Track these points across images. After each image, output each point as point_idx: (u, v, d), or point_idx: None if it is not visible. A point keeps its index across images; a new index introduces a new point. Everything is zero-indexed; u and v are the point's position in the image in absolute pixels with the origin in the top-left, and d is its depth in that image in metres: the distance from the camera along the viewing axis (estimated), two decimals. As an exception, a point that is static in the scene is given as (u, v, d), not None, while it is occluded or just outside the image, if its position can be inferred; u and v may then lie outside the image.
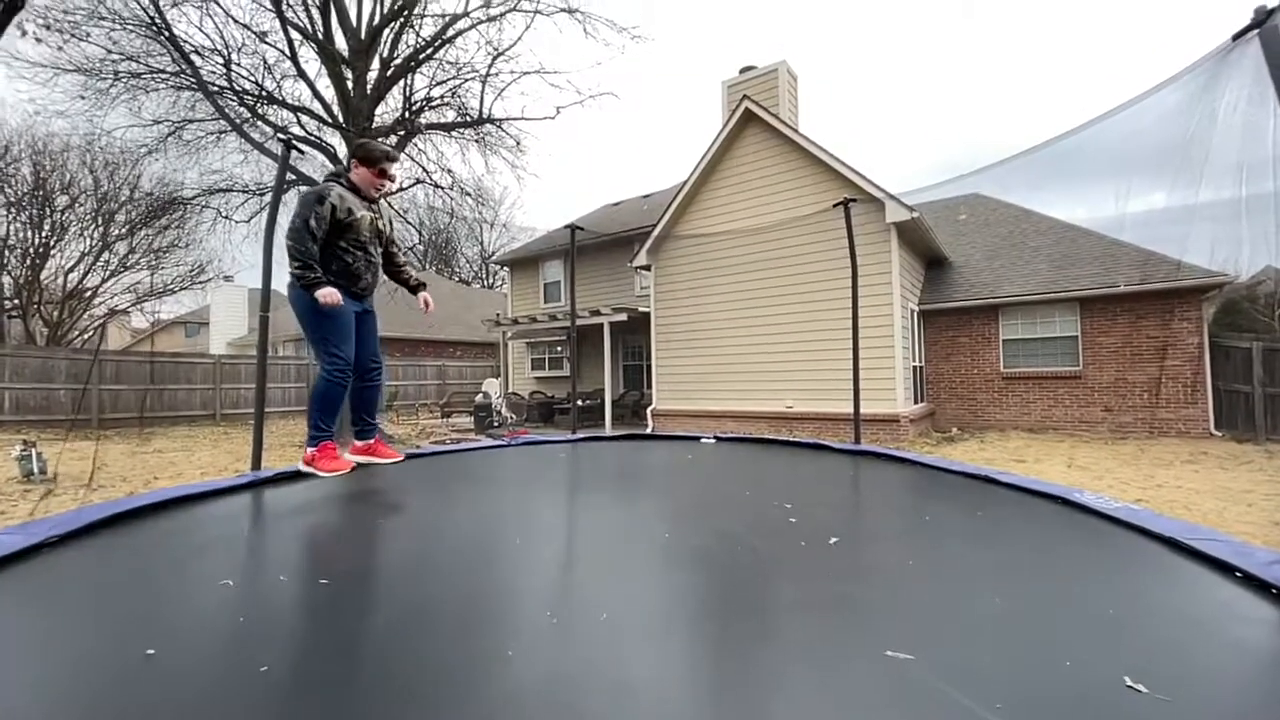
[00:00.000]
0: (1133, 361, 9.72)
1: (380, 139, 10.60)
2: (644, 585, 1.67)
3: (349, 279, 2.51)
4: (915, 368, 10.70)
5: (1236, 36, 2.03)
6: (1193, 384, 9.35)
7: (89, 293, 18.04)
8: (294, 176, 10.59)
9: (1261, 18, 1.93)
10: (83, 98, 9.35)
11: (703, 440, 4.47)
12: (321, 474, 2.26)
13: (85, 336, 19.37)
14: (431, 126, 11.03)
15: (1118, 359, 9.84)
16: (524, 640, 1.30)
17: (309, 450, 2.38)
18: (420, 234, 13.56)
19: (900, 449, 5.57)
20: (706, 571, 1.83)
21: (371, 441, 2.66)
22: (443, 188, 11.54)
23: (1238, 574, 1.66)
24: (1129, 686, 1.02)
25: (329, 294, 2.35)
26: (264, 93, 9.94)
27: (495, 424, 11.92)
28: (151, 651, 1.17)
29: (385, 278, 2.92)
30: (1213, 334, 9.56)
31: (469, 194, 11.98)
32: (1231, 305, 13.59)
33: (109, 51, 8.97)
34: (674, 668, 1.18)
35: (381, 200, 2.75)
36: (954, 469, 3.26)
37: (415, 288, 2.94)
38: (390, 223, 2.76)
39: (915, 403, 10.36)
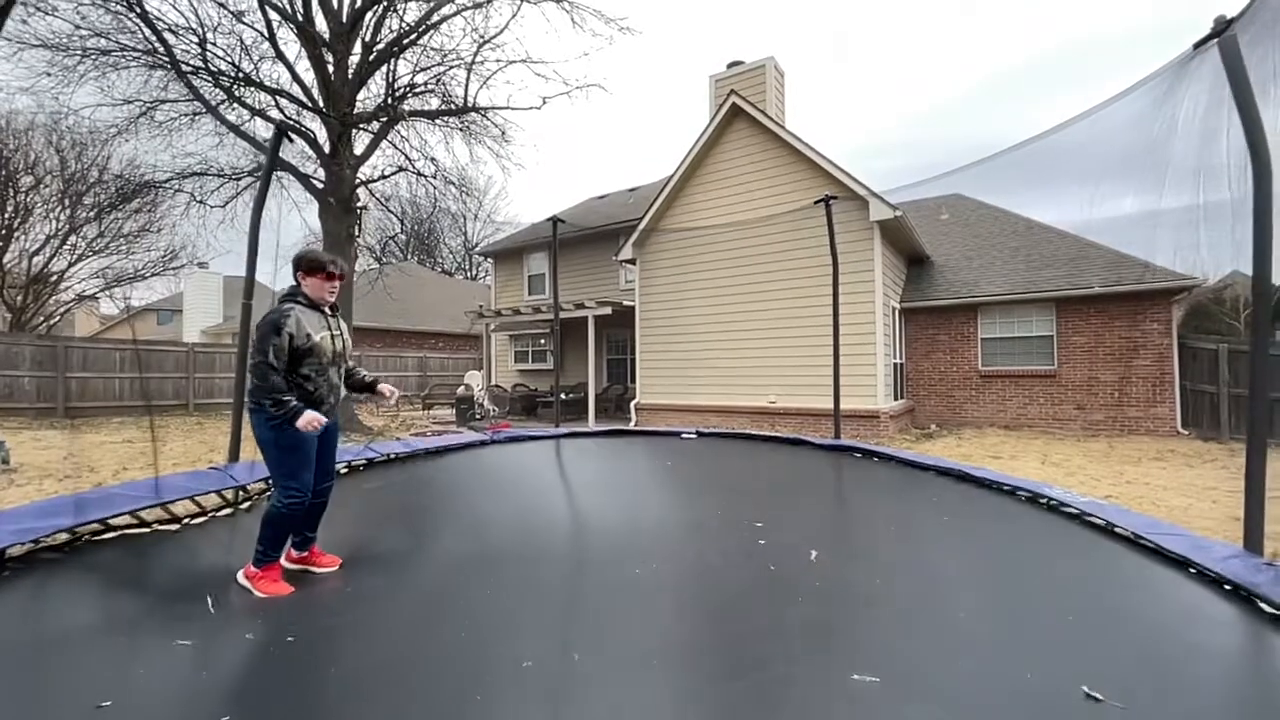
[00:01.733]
0: (1104, 361, 9.97)
1: (362, 125, 10.40)
2: (621, 615, 1.64)
3: (311, 405, 2.41)
4: (896, 365, 10.84)
5: (1198, 45, 2.08)
6: (1161, 383, 9.61)
7: (55, 277, 17.48)
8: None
9: (1221, 28, 1.97)
10: (49, 74, 9.00)
11: (684, 435, 4.49)
12: (257, 593, 2.20)
13: (52, 322, 18.80)
14: (415, 114, 10.84)
15: (1090, 358, 10.08)
16: (494, 681, 1.27)
17: (252, 568, 2.30)
18: (403, 223, 13.36)
19: (879, 444, 5.63)
20: (683, 595, 1.82)
21: (307, 553, 2.58)
22: (425, 176, 11.36)
23: (1192, 570, 1.72)
24: (1088, 695, 1.04)
25: (311, 420, 2.27)
26: (241, 74, 9.67)
27: (477, 417, 11.83)
28: (108, 704, 1.11)
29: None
30: (1181, 335, 9.83)
31: (453, 183, 11.82)
32: (1200, 308, 13.96)
33: (77, 27, 8.64)
34: (650, 705, 1.17)
35: (338, 316, 2.65)
36: (931, 465, 3.31)
37: (371, 384, 2.80)
38: (348, 336, 2.65)
39: (895, 399, 10.50)
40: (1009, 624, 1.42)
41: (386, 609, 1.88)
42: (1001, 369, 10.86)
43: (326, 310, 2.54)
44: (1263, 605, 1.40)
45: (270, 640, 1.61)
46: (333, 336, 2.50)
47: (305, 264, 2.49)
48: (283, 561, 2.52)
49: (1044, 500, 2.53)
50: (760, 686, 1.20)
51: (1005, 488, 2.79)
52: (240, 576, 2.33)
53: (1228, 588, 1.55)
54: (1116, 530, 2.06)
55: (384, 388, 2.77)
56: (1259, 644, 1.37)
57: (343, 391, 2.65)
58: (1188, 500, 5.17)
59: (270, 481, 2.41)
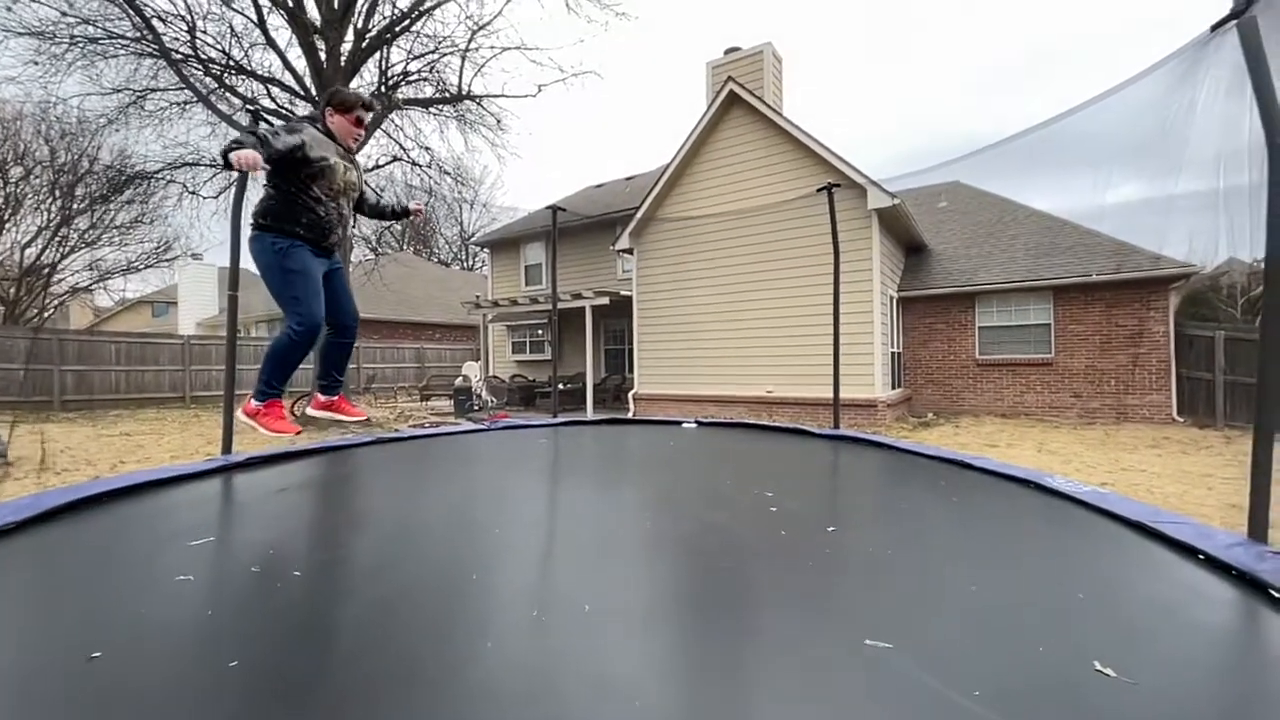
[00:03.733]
0: (1102, 349, 9.99)
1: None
2: (625, 577, 1.66)
3: (319, 232, 2.35)
4: (893, 354, 10.85)
5: (1215, 27, 2.05)
6: (1158, 371, 9.66)
7: (48, 269, 17.32)
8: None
9: (1240, 8, 1.94)
10: (36, 63, 8.87)
11: (684, 425, 4.48)
12: (262, 430, 2.13)
13: (46, 315, 18.65)
14: (409, 102, 10.72)
15: (1088, 347, 10.11)
16: (503, 633, 1.29)
17: (253, 403, 2.23)
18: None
19: (877, 434, 5.65)
20: (687, 562, 1.83)
21: (335, 398, 2.55)
22: (420, 166, 11.27)
23: (1200, 556, 1.72)
24: (1098, 670, 1.05)
25: (246, 156, 1.93)
26: (231, 62, 9.53)
27: (475, 407, 11.82)
28: (97, 654, 1.10)
29: (367, 221, 2.75)
30: (1178, 323, 9.86)
31: (448, 173, 11.73)
32: (1196, 295, 14.00)
33: (64, 14, 8.50)
34: (654, 660, 1.17)
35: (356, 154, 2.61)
36: (930, 454, 3.31)
37: (401, 211, 2.78)
38: (360, 174, 2.60)
39: (893, 388, 10.53)
40: (1019, 600, 1.42)
41: (393, 549, 1.90)
42: (999, 357, 10.89)
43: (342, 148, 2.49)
44: (1273, 592, 1.40)
45: (276, 574, 1.63)
46: (345, 167, 2.44)
47: (336, 101, 2.43)
48: (310, 410, 2.52)
49: (1046, 488, 2.53)
50: (772, 645, 1.20)
51: (1007, 475, 2.79)
52: (241, 414, 2.26)
53: (1234, 574, 1.55)
54: (1121, 516, 2.06)
55: (415, 205, 2.73)
56: (1270, 628, 1.38)
57: (351, 224, 2.63)
58: (1184, 487, 5.20)
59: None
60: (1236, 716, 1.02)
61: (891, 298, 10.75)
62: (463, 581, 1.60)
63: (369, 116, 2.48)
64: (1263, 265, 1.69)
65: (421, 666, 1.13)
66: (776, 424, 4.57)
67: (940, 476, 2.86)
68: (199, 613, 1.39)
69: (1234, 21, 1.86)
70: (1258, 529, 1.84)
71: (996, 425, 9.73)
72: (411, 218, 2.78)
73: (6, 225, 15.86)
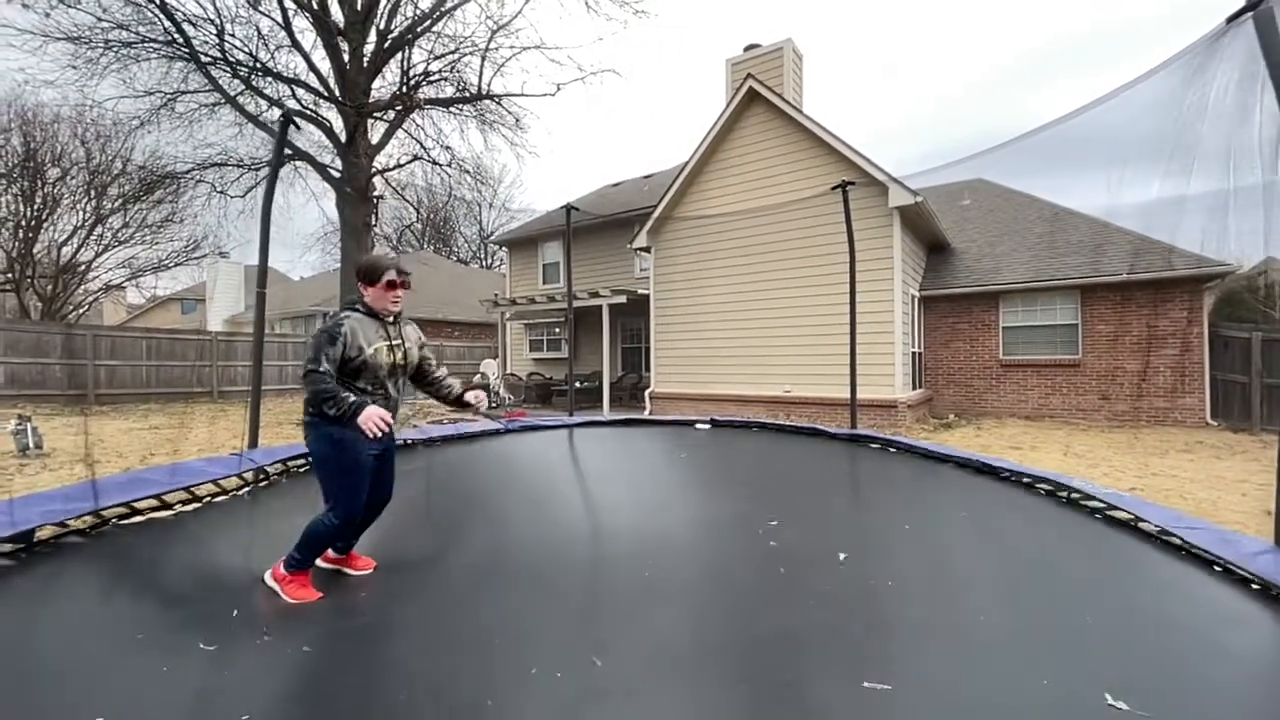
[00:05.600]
0: (1131, 350, 9.71)
1: (377, 114, 10.43)
2: (630, 616, 1.62)
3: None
4: (914, 354, 10.68)
5: (1231, 19, 1.98)
6: (1190, 373, 9.35)
7: (83, 267, 17.90)
8: (290, 151, 10.35)
9: (1257, 0, 1.87)
10: (73, 67, 9.16)
11: (698, 425, 4.48)
12: (286, 597, 2.14)
13: (81, 311, 19.30)
14: (430, 102, 10.85)
15: (1116, 347, 9.83)
16: (505, 688, 1.26)
17: (281, 570, 2.23)
18: (419, 212, 13.43)
19: (896, 434, 5.56)
20: (692, 596, 1.80)
21: (346, 556, 2.51)
22: (441, 165, 11.40)
23: (1217, 567, 1.66)
24: (1110, 705, 1.00)
25: (371, 417, 2.09)
26: (258, 64, 9.74)
27: (493, 405, 11.94)
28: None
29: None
30: (1212, 324, 9.53)
31: (468, 172, 11.85)
32: (1232, 295, 13.51)
33: (99, 19, 8.77)
34: (662, 708, 1.16)
35: (404, 323, 2.47)
36: (950, 455, 3.26)
37: (460, 396, 2.55)
38: (412, 345, 2.46)
39: (913, 389, 10.36)
40: (1028, 627, 1.38)
41: (403, 609, 1.91)
42: (1023, 358, 10.65)
43: (389, 320, 2.38)
44: (1296, 604, 1.35)
45: (286, 643, 1.64)
46: (390, 347, 2.33)
47: (362, 275, 2.35)
48: (317, 561, 2.43)
49: (1064, 494, 2.47)
50: (768, 691, 1.18)
51: (1025, 479, 2.73)
52: (268, 577, 2.25)
53: (1255, 587, 1.50)
54: (1140, 526, 2.01)
55: (471, 396, 2.51)
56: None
57: (400, 405, 2.48)
58: (1216, 493, 5.04)
59: (323, 497, 2.30)
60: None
61: (913, 297, 10.58)
62: (457, 600, 1.61)
63: (402, 278, 2.37)
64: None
65: (418, 710, 1.14)
66: (793, 424, 4.54)
67: (957, 480, 2.81)
68: (216, 617, 1.43)
69: (1250, 13, 1.80)
70: (1287, 538, 1.77)
71: (1020, 428, 9.52)
72: (471, 399, 2.53)
73: (44, 225, 16.43)
